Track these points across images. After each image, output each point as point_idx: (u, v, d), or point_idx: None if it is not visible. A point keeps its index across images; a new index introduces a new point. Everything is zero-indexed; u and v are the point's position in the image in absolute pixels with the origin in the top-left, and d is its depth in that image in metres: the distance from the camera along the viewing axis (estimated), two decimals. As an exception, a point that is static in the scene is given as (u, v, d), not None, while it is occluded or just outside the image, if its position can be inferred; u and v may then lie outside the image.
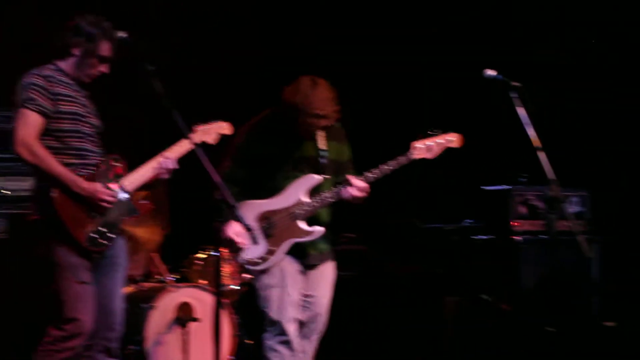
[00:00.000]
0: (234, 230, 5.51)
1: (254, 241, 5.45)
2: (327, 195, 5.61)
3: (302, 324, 5.72)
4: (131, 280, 6.94)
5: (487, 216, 8.13)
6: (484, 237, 8.07)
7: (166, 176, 5.47)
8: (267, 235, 5.61)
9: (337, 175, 5.71)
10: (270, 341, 5.64)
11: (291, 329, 5.63)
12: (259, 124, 5.72)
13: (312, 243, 5.68)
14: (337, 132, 5.79)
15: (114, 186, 5.33)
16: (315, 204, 5.62)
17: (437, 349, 7.81)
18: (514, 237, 7.81)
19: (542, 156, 5.37)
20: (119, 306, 5.51)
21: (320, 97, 5.49)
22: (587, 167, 8.66)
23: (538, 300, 7.68)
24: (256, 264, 5.62)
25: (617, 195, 8.51)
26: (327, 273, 5.80)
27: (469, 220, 8.28)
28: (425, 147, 5.70)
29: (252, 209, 5.60)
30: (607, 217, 8.25)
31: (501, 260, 7.85)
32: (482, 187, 8.14)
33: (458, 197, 8.32)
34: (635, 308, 8.63)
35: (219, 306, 5.27)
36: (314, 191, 5.64)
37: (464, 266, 8.08)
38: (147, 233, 7.27)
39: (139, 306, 6.84)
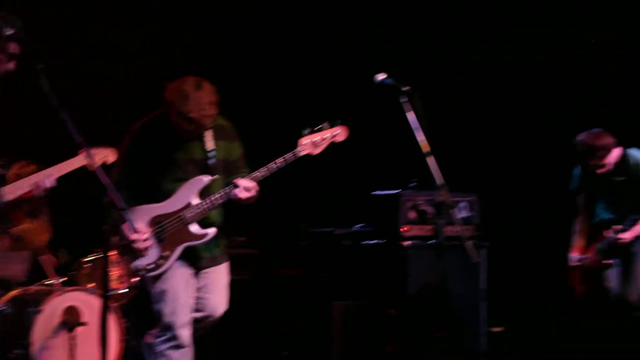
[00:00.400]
0: (131, 235, 5.44)
1: (148, 247, 5.45)
2: (217, 196, 5.58)
3: (193, 323, 5.68)
4: (17, 283, 6.86)
5: (377, 221, 8.14)
6: (374, 241, 8.06)
7: (41, 194, 5.37)
8: (160, 240, 5.56)
9: (228, 174, 5.69)
10: (161, 346, 5.60)
11: (184, 334, 5.60)
12: (143, 127, 5.67)
13: (204, 246, 5.65)
14: (226, 131, 5.76)
15: None
16: (205, 206, 5.58)
17: (326, 352, 7.78)
18: (403, 242, 7.83)
19: (431, 161, 5.38)
20: None
21: (199, 101, 5.45)
22: (476, 172, 8.77)
23: (426, 305, 7.70)
24: (150, 270, 5.56)
25: (504, 200, 8.66)
26: (221, 275, 5.77)
27: (359, 225, 8.26)
28: (311, 143, 5.73)
29: (143, 214, 5.54)
30: (495, 222, 8.33)
31: (390, 264, 7.87)
32: (372, 192, 8.14)
33: (348, 202, 8.36)
34: (521, 313, 8.84)
35: (106, 310, 5.09)
36: (205, 192, 5.60)
37: (353, 270, 8.07)
38: (28, 235, 7.17)
39: (24, 310, 6.72)
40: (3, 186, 5.33)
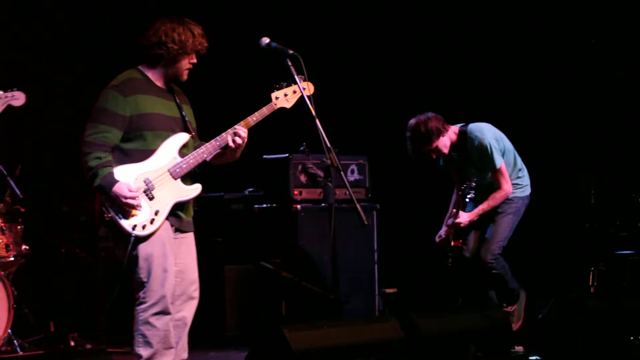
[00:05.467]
0: (123, 192, 5.31)
1: (138, 204, 5.36)
2: (209, 147, 5.55)
3: (178, 295, 5.61)
4: None
5: (268, 185, 8.23)
6: (265, 205, 8.16)
7: None
8: (150, 197, 5.45)
9: (194, 138, 5.69)
10: (146, 314, 5.46)
11: (169, 301, 5.50)
12: (128, 81, 5.56)
13: (185, 208, 5.62)
14: (185, 98, 5.77)
15: None
16: (191, 161, 5.53)
17: (220, 315, 7.89)
18: (294, 205, 7.91)
19: (318, 124, 5.44)
20: None
21: (202, 34, 5.57)
22: (365, 135, 8.98)
23: (319, 267, 7.84)
24: (144, 227, 5.41)
25: (394, 163, 8.74)
26: (192, 241, 5.73)
27: (250, 189, 8.37)
28: (284, 97, 5.78)
29: (130, 171, 5.43)
30: (384, 184, 8.50)
31: (282, 228, 7.96)
32: (262, 156, 8.21)
33: (238, 167, 8.30)
34: (413, 274, 8.97)
35: None
36: (182, 150, 5.58)
37: (245, 234, 8.17)
38: None
39: None
40: None
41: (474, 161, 7.24)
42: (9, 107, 5.39)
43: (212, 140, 5.59)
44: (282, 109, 5.81)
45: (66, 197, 8.17)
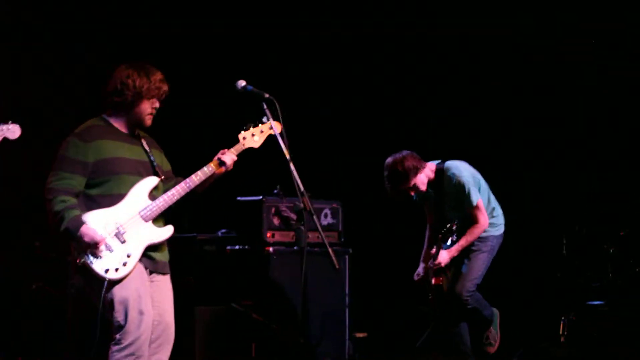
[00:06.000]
0: (90, 235, 5.31)
1: (110, 248, 5.36)
2: (179, 189, 5.56)
3: (153, 337, 5.58)
4: None
5: (241, 226, 8.22)
6: (238, 247, 8.15)
7: None
8: (122, 241, 5.44)
9: (165, 181, 5.70)
10: (120, 354, 5.43)
11: (144, 343, 5.49)
12: (89, 128, 5.56)
13: (159, 249, 5.62)
14: (155, 143, 5.78)
15: None
16: (161, 204, 5.55)
17: (190, 357, 7.74)
18: (267, 248, 7.92)
19: (292, 167, 5.44)
20: None
21: (159, 79, 5.57)
22: (339, 179, 9.08)
23: (290, 310, 7.80)
24: (116, 270, 5.39)
25: (367, 207, 8.84)
26: (168, 283, 5.74)
27: (223, 230, 8.35)
28: (251, 137, 5.79)
29: (99, 216, 5.42)
30: (357, 228, 8.53)
31: (254, 270, 7.96)
32: (236, 198, 8.22)
33: (212, 207, 8.31)
34: (383, 319, 8.99)
35: None
36: (152, 194, 5.58)
37: (217, 276, 8.13)
38: None
39: None
40: None
41: (451, 199, 7.30)
42: (5, 140, 5.41)
43: (182, 183, 5.60)
44: (251, 149, 5.83)
45: (37, 232, 8.16)
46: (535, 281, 8.84)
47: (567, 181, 8.81)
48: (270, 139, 5.72)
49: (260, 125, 5.80)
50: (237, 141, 5.79)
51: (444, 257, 7.26)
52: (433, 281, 7.36)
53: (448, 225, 7.24)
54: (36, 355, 7.88)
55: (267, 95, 5.62)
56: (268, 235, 8.05)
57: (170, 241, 5.71)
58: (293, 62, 9.56)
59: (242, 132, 5.80)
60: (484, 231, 7.31)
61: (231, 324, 7.91)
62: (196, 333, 7.83)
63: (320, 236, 5.59)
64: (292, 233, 8.06)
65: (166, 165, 5.79)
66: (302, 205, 5.62)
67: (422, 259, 7.52)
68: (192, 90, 8.84)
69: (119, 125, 5.62)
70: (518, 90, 8.96)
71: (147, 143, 5.71)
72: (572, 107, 8.79)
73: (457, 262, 7.35)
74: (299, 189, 5.50)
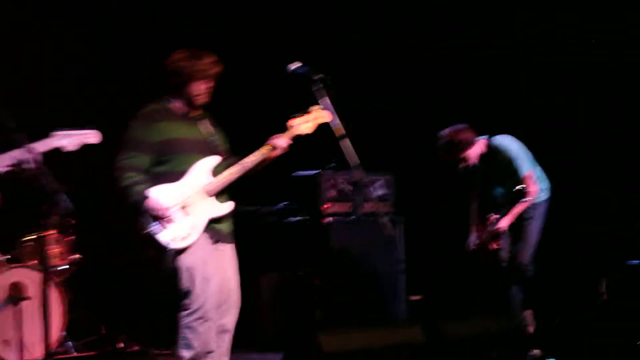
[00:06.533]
0: (154, 205, 5.58)
1: (174, 220, 5.61)
2: (239, 167, 5.79)
3: (216, 302, 5.81)
4: None
5: (300, 199, 8.38)
6: (298, 218, 8.32)
7: (27, 167, 5.29)
8: (186, 213, 5.69)
9: (224, 160, 5.92)
10: (188, 319, 5.72)
11: (211, 307, 5.73)
12: (151, 111, 5.84)
13: (224, 221, 5.85)
14: (213, 122, 6.01)
15: None
16: (223, 180, 5.80)
17: (257, 321, 8.00)
18: (325, 219, 8.13)
19: (346, 143, 5.60)
20: None
21: (210, 61, 5.82)
22: (391, 152, 9.09)
23: (349, 276, 8.05)
24: (183, 239, 5.66)
25: (418, 178, 8.97)
26: (232, 252, 5.95)
27: (284, 203, 8.49)
28: (302, 124, 6.00)
29: (164, 191, 5.68)
30: (408, 198, 8.61)
31: (314, 239, 8.15)
32: (296, 173, 8.41)
33: (273, 182, 8.25)
34: (437, 282, 9.16)
35: (47, 284, 5.31)
36: (214, 171, 5.82)
37: (279, 246, 8.32)
38: None
39: None
40: None
41: (499, 173, 7.48)
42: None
43: (239, 163, 5.83)
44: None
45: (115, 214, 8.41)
46: (575, 240, 8.91)
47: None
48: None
49: (309, 113, 5.99)
50: (288, 128, 5.97)
51: (504, 222, 7.41)
52: (494, 245, 7.53)
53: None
54: (118, 320, 8.14)
55: (316, 77, 5.69)
56: (326, 206, 8.19)
57: (235, 213, 5.92)
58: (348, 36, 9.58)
59: (293, 119, 5.98)
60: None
61: (295, 290, 8.09)
62: (262, 299, 8.06)
63: (374, 206, 5.78)
64: (348, 204, 8.20)
65: (224, 144, 6.01)
66: (357, 177, 5.94)
67: (474, 229, 7.67)
68: (249, 75, 8.88)
69: (177, 106, 5.88)
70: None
71: (206, 123, 5.95)
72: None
73: (511, 230, 7.50)
74: (353, 163, 5.63)
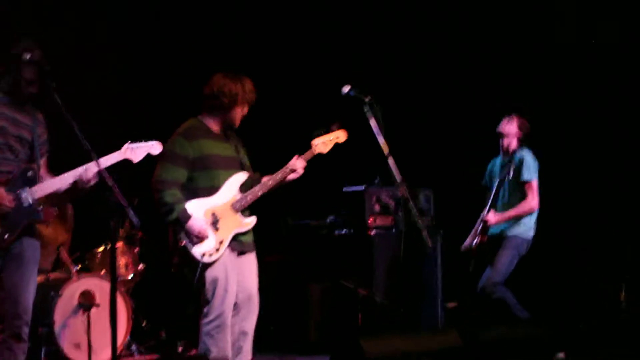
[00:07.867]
0: (197, 226, 5.85)
1: (207, 235, 5.89)
2: (264, 185, 6.06)
3: (238, 307, 6.10)
4: (41, 271, 6.99)
5: (346, 213, 8.59)
6: (344, 231, 8.55)
7: (84, 186, 5.52)
8: (215, 228, 5.98)
9: (251, 176, 6.21)
10: (208, 326, 5.99)
11: (229, 317, 6.02)
12: (191, 128, 6.10)
13: (246, 233, 6.14)
14: (240, 141, 6.31)
15: (22, 192, 5.44)
16: (250, 197, 6.09)
17: (305, 327, 8.26)
18: (370, 231, 8.35)
19: (391, 161, 5.84)
20: (25, 297, 5.48)
21: (250, 88, 6.12)
22: (432, 168, 9.21)
23: (390, 285, 8.29)
24: (210, 255, 5.94)
25: (457, 194, 9.05)
26: (254, 260, 6.23)
27: (331, 217, 8.74)
28: (322, 143, 6.30)
29: (199, 206, 5.97)
30: (448, 212, 8.80)
31: (359, 251, 8.37)
32: (343, 188, 8.65)
33: (323, 197, 8.79)
34: (471, 289, 9.44)
35: (114, 293, 5.35)
36: (242, 188, 6.13)
37: (327, 257, 8.54)
38: (53, 232, 7.61)
39: (48, 294, 7.27)
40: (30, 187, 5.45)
41: (510, 180, 7.55)
42: (148, 155, 5.73)
43: (263, 181, 6.11)
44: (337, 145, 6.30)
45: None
46: (595, 247, 8.91)
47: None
48: (371, 133, 5.92)
49: (329, 133, 6.30)
50: (310, 147, 6.28)
51: (491, 216, 7.49)
52: (479, 239, 7.58)
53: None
54: (178, 326, 8.35)
55: (367, 98, 5.91)
56: (370, 220, 8.38)
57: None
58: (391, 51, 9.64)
59: (315, 139, 6.30)
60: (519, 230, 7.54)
61: (340, 298, 8.33)
62: (310, 306, 8.34)
63: (415, 219, 5.94)
64: (391, 217, 8.41)
65: (248, 162, 6.31)
66: (400, 193, 6.09)
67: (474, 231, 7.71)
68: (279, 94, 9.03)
69: (213, 125, 6.18)
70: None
71: (236, 142, 6.26)
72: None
73: (490, 254, 7.56)
74: (397, 179, 5.84)
